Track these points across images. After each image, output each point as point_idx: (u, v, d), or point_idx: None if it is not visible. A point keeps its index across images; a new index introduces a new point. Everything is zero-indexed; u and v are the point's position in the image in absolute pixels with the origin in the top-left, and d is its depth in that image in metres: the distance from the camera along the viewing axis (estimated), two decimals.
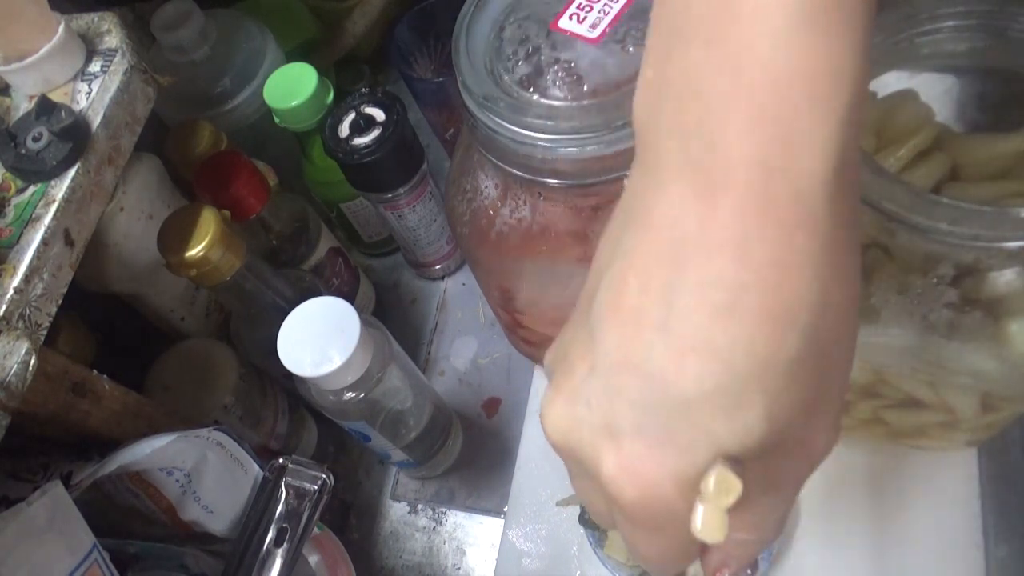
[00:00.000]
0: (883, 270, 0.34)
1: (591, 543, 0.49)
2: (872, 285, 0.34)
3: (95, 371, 0.38)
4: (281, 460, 0.40)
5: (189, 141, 0.52)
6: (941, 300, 0.33)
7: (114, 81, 0.40)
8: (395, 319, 0.66)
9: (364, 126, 0.52)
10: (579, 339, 0.23)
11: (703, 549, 0.25)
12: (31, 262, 0.34)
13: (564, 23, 0.35)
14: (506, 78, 0.35)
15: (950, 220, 0.29)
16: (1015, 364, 0.34)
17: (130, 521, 0.40)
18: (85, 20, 0.42)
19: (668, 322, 0.19)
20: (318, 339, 0.40)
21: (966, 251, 0.30)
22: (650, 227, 0.20)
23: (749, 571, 0.45)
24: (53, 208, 0.36)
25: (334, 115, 0.53)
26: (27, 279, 0.34)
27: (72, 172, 0.37)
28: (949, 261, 0.32)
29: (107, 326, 0.48)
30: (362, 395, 0.43)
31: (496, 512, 0.56)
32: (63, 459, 0.37)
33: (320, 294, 0.44)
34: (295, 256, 0.55)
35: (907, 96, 0.37)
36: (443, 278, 0.67)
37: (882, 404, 0.42)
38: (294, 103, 0.53)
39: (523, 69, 0.35)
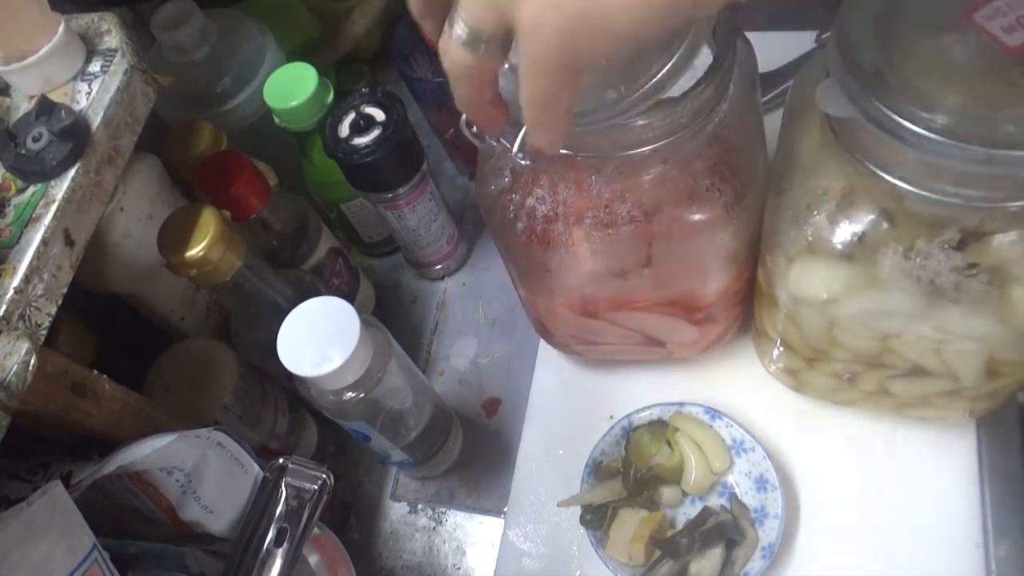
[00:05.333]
0: (890, 236, 0.34)
1: (592, 543, 0.49)
2: (879, 252, 0.35)
3: (95, 371, 0.38)
4: (281, 460, 0.40)
5: (189, 141, 0.52)
6: (947, 264, 0.33)
7: (114, 81, 0.40)
8: (395, 319, 0.66)
9: (364, 126, 0.52)
10: None
11: None
12: (31, 262, 0.34)
13: None
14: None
15: (955, 182, 0.29)
16: (1019, 328, 0.34)
17: (130, 521, 0.40)
18: (85, 20, 0.42)
19: None
20: (318, 339, 0.40)
21: (971, 214, 0.30)
22: None
23: None
24: (53, 208, 0.36)
25: (334, 115, 0.53)
26: (27, 279, 0.34)
27: (72, 172, 0.37)
28: (955, 225, 0.32)
29: (107, 326, 0.48)
30: (362, 395, 0.43)
31: (496, 512, 0.56)
32: (63, 459, 0.38)
33: (320, 294, 0.44)
34: (295, 256, 0.55)
35: None
36: (443, 278, 0.67)
37: (888, 375, 0.42)
38: (294, 103, 0.53)
39: None
